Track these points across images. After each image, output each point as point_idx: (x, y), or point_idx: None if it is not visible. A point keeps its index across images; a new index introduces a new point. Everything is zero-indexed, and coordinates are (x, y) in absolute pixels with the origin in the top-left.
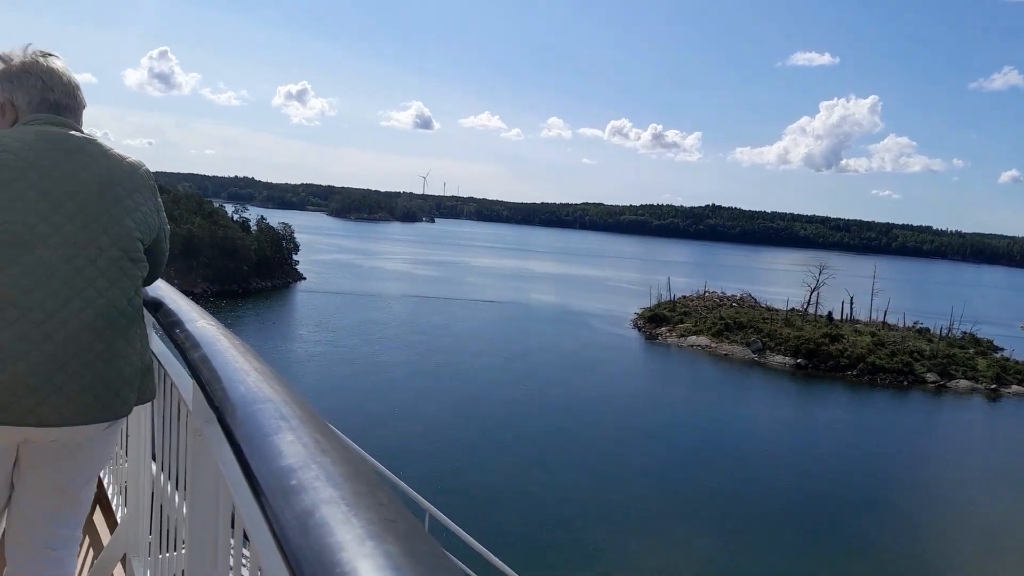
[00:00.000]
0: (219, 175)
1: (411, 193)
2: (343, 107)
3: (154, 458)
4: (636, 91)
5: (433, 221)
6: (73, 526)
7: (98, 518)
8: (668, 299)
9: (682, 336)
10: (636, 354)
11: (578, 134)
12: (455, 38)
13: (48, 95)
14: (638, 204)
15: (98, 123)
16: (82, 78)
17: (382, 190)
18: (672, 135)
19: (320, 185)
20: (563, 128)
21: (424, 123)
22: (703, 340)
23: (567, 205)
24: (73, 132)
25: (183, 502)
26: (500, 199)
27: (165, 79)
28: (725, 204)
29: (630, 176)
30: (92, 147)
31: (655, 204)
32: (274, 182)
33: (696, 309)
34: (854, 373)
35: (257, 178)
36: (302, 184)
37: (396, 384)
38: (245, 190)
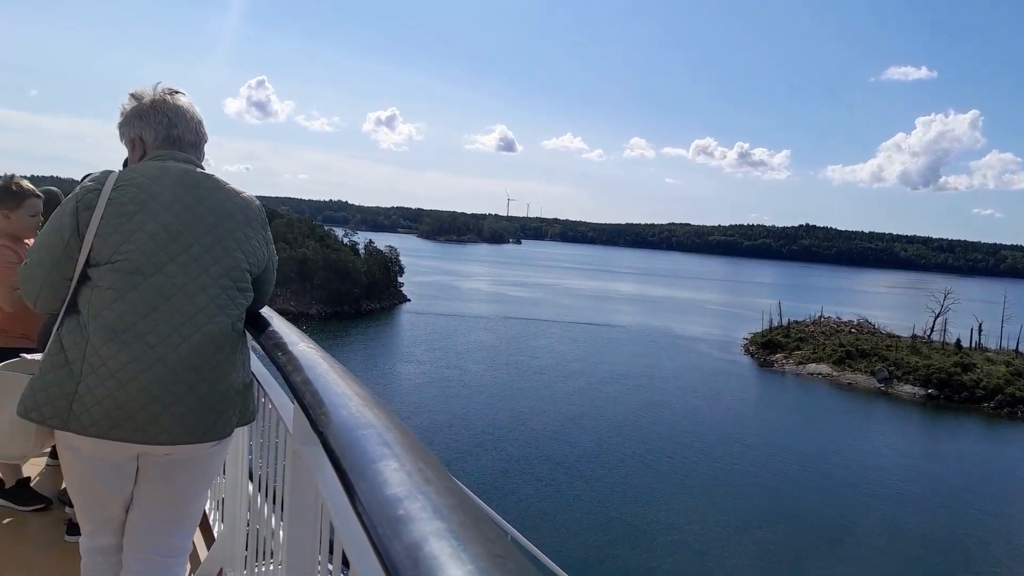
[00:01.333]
0: (314, 199)
1: (496, 215)
2: (429, 132)
3: (251, 477)
4: (721, 109)
5: (520, 242)
6: (183, 537)
7: (195, 533)
8: (779, 324)
9: (800, 363)
10: (751, 381)
11: (661, 154)
12: (538, 63)
13: (173, 131)
14: (727, 224)
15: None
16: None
17: (468, 212)
18: (759, 153)
19: (410, 208)
20: (646, 148)
21: (507, 146)
22: (824, 368)
23: (653, 225)
24: (194, 168)
25: (279, 520)
26: (583, 220)
27: (262, 107)
28: (816, 223)
29: (715, 195)
30: (210, 182)
31: (745, 224)
32: (366, 205)
33: (812, 335)
34: (991, 405)
35: (351, 202)
36: (393, 207)
37: (505, 406)
38: (339, 213)
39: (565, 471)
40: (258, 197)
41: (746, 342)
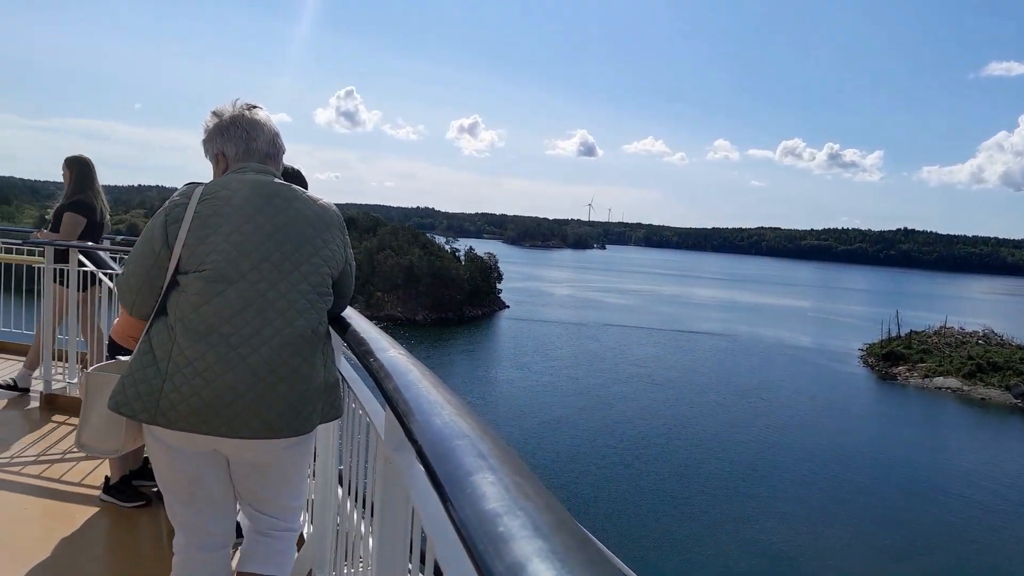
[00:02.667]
0: (402, 206)
1: (579, 220)
2: (511, 138)
3: (340, 480)
4: (810, 109)
5: (604, 248)
6: (289, 520)
7: None
8: (897, 334)
9: (926, 376)
10: (873, 395)
11: (746, 156)
12: (618, 65)
13: (252, 144)
14: (819, 228)
15: (292, 159)
16: (279, 118)
17: (550, 217)
18: (850, 154)
19: (494, 214)
20: (730, 150)
21: (588, 150)
22: (953, 382)
23: (740, 230)
24: (271, 178)
25: (368, 525)
26: (666, 224)
27: (351, 117)
28: (912, 227)
29: (803, 198)
30: (288, 192)
31: (838, 228)
32: (452, 212)
33: (936, 347)
34: None
35: (437, 208)
36: (477, 213)
37: (618, 417)
38: (427, 220)
39: (680, 488)
40: (346, 204)
41: (863, 353)
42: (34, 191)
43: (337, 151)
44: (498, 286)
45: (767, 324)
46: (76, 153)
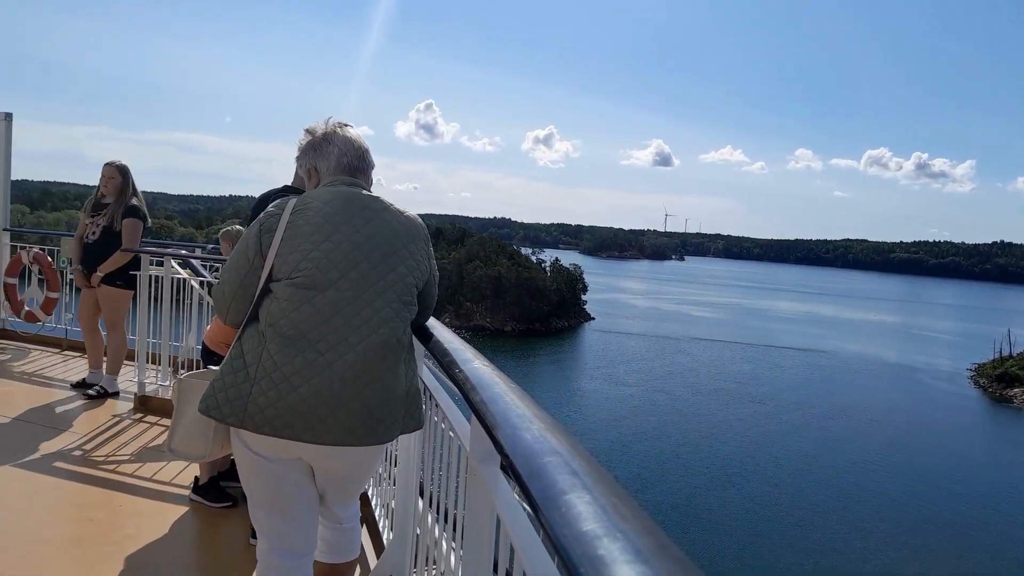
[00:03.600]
0: (478, 216)
1: (655, 231)
2: (585, 148)
3: (421, 490)
4: (896, 117)
5: (683, 259)
6: (352, 509)
7: (365, 539)
8: (1010, 354)
9: None
10: (986, 418)
11: (829, 165)
12: (695, 74)
13: (343, 159)
14: (909, 240)
15: (374, 171)
16: (361, 131)
17: (625, 228)
18: (939, 164)
19: (570, 224)
20: (812, 159)
21: (663, 160)
22: None
23: (825, 241)
24: (360, 191)
25: (447, 534)
26: (744, 235)
27: (429, 129)
28: (1008, 239)
29: (889, 209)
30: (376, 204)
31: (929, 241)
32: (528, 222)
33: None
34: None
35: (513, 218)
36: (553, 223)
37: (725, 438)
38: (503, 230)
39: (782, 513)
40: (425, 215)
41: (972, 373)
42: None
43: (416, 163)
44: (583, 297)
45: (862, 340)
46: (120, 160)
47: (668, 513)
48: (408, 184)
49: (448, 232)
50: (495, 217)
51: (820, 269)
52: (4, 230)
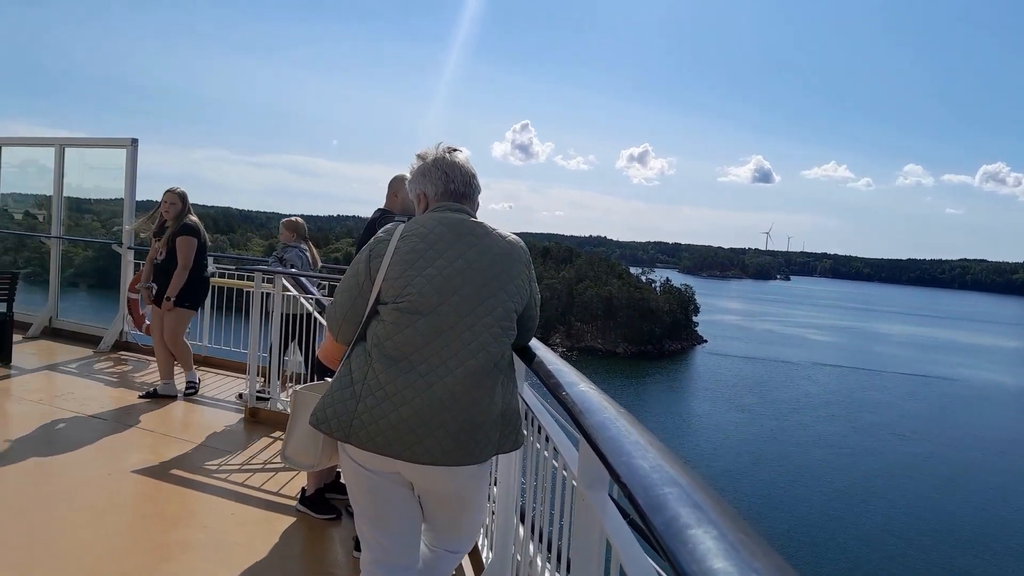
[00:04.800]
0: (574, 234)
1: (756, 249)
2: (681, 165)
3: (522, 515)
4: (1014, 130)
5: (788, 279)
6: (461, 541)
7: (464, 560)
8: None
9: None
10: None
11: (941, 181)
12: (796, 88)
13: (450, 185)
14: None
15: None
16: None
17: (725, 247)
18: None
19: (667, 243)
20: (922, 175)
21: (763, 176)
22: None
23: (941, 262)
24: (466, 217)
25: (553, 561)
26: (850, 254)
27: (525, 149)
28: None
29: (1007, 228)
30: (479, 229)
31: None
32: (623, 240)
33: None
34: None
35: (609, 237)
36: (650, 242)
37: (872, 475)
38: (599, 248)
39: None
40: (519, 233)
41: None
42: (248, 219)
43: (511, 182)
44: (695, 319)
45: (993, 367)
46: (180, 187)
47: (798, 548)
48: (503, 203)
49: (555, 252)
50: (591, 235)
51: (936, 291)
52: (128, 248)
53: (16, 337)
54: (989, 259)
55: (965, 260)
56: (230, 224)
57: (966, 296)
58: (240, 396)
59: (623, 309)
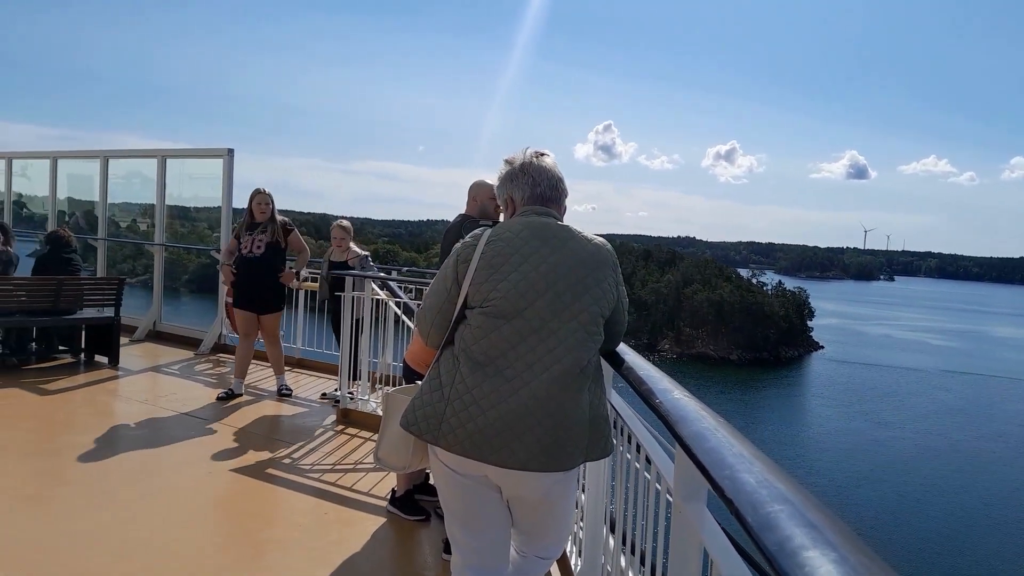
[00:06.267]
0: (659, 235)
1: (855, 248)
2: (771, 163)
3: (612, 523)
4: None
5: (892, 279)
6: (549, 547)
7: (553, 567)
8: None
9: None
10: None
11: None
12: (891, 79)
13: (536, 189)
14: None
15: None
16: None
17: (821, 246)
18: None
19: (760, 243)
20: None
21: (858, 172)
22: None
23: None
24: (552, 221)
25: (646, 572)
26: (954, 252)
27: (607, 150)
28: None
29: None
30: (564, 233)
31: None
32: (713, 240)
33: None
34: None
35: (697, 237)
36: (742, 242)
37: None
38: (688, 249)
39: None
40: (604, 235)
41: None
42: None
43: (594, 184)
44: (809, 324)
45: None
46: (266, 188)
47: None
48: (586, 205)
49: (656, 254)
50: (678, 236)
51: None
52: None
53: (123, 340)
54: None
55: None
56: (324, 231)
57: None
58: (325, 396)
59: (735, 314)
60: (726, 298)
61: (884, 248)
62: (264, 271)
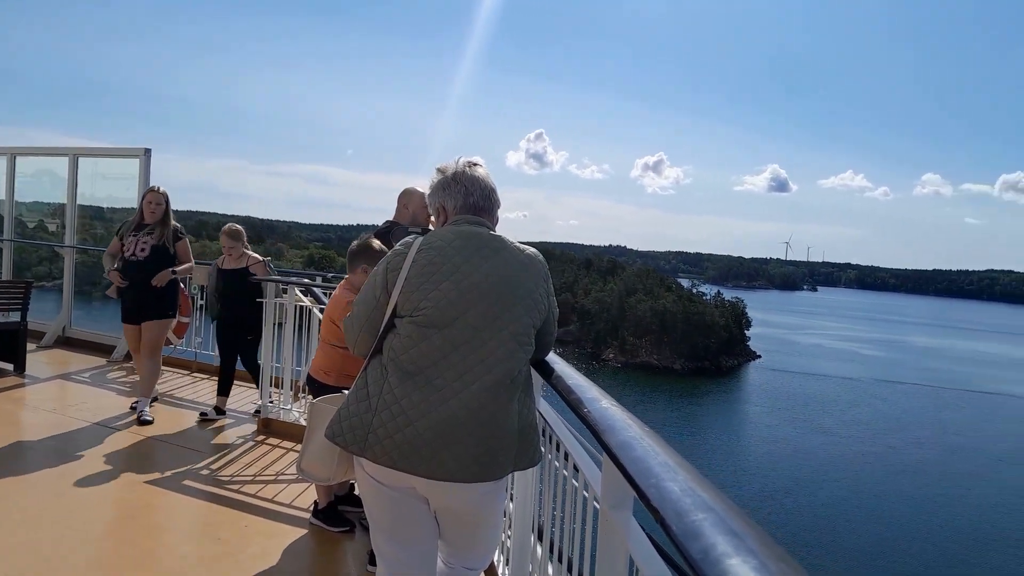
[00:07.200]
0: (589, 244)
1: (778, 259)
2: (697, 174)
3: (539, 531)
4: None
5: (815, 290)
6: (477, 559)
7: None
8: None
9: None
10: None
11: (960, 191)
12: (812, 96)
13: (469, 199)
14: None
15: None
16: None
17: (746, 256)
18: None
19: (689, 252)
20: (941, 184)
21: (780, 185)
22: None
23: (967, 272)
24: (484, 230)
25: None
26: (872, 264)
27: (539, 158)
28: None
29: None
30: (497, 243)
31: None
32: (643, 250)
33: None
34: None
35: (628, 246)
36: (671, 251)
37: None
38: (620, 258)
39: None
40: (536, 242)
41: None
42: (271, 229)
43: (526, 191)
44: (747, 333)
45: None
46: (162, 187)
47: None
48: (518, 212)
49: (598, 263)
50: (610, 245)
51: (966, 302)
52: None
53: (30, 346)
54: (1017, 270)
55: (992, 271)
56: (258, 234)
57: (998, 308)
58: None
59: (678, 323)
60: (669, 308)
61: (806, 259)
62: (147, 276)
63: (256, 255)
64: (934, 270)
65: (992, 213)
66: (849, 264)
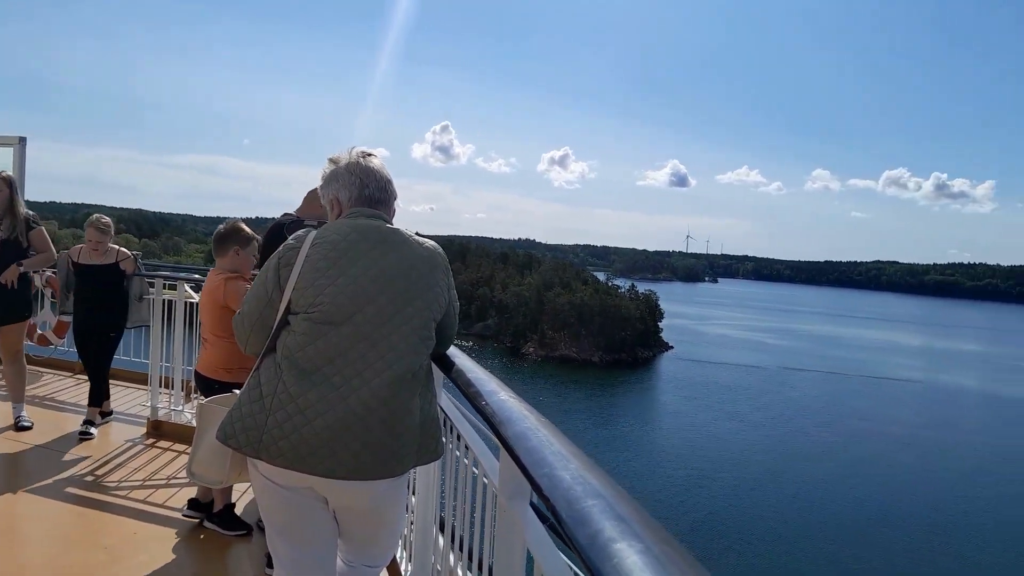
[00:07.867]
0: (499, 237)
1: (681, 252)
2: (601, 169)
3: (441, 524)
4: (915, 137)
5: (716, 281)
6: (380, 560)
7: (383, 573)
8: None
9: None
10: None
11: (847, 186)
12: (709, 94)
13: (364, 191)
14: (944, 263)
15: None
16: (378, 152)
17: (650, 249)
18: (959, 184)
19: (596, 246)
20: (830, 180)
21: (680, 180)
22: None
23: (856, 263)
24: (382, 223)
25: (467, 570)
26: (770, 256)
27: (445, 151)
28: None
29: (907, 230)
30: (395, 236)
31: (966, 263)
32: (551, 243)
33: None
34: None
35: (537, 240)
36: (579, 245)
37: (897, 488)
38: (530, 251)
39: None
40: (443, 236)
41: None
42: (164, 222)
43: (432, 184)
44: (660, 325)
45: (966, 372)
46: (6, 172)
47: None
48: (425, 205)
49: (514, 257)
50: (519, 238)
51: (855, 292)
52: None
53: None
54: (901, 260)
55: (879, 262)
56: (152, 228)
57: (884, 297)
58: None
59: (595, 316)
60: (586, 301)
61: (705, 252)
62: None
63: (125, 250)
64: (826, 261)
65: (876, 207)
66: (747, 256)
